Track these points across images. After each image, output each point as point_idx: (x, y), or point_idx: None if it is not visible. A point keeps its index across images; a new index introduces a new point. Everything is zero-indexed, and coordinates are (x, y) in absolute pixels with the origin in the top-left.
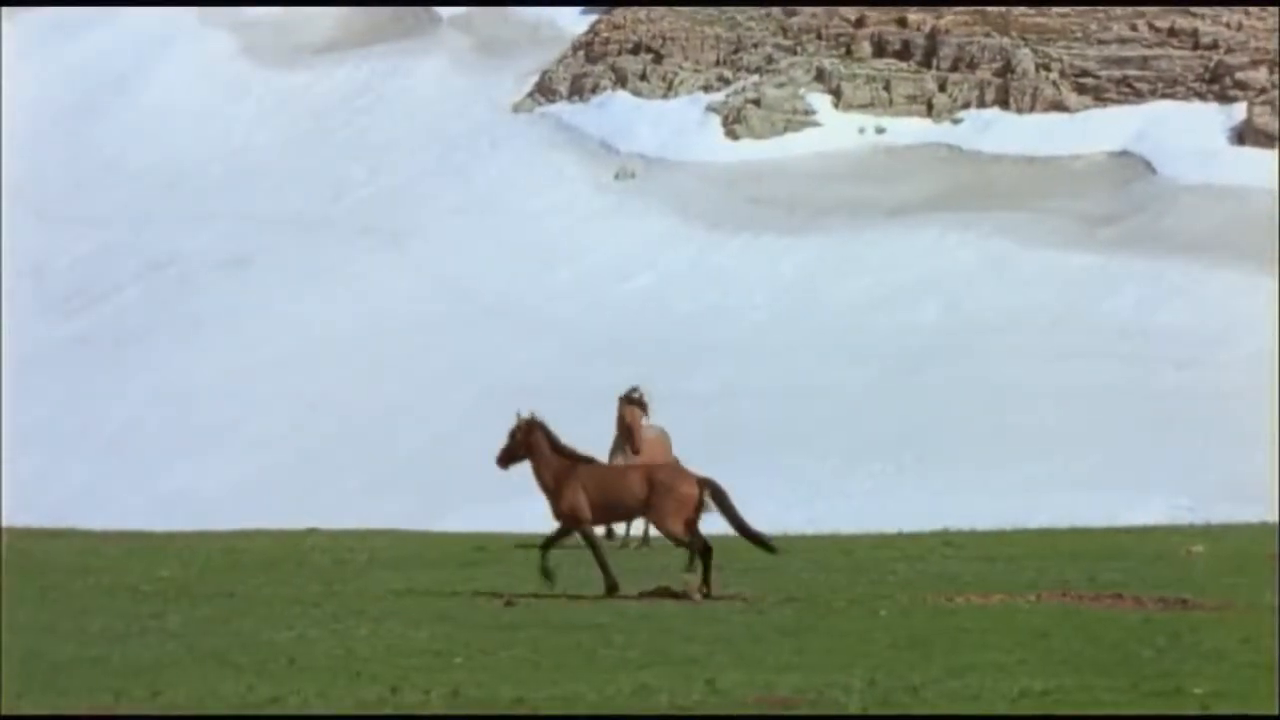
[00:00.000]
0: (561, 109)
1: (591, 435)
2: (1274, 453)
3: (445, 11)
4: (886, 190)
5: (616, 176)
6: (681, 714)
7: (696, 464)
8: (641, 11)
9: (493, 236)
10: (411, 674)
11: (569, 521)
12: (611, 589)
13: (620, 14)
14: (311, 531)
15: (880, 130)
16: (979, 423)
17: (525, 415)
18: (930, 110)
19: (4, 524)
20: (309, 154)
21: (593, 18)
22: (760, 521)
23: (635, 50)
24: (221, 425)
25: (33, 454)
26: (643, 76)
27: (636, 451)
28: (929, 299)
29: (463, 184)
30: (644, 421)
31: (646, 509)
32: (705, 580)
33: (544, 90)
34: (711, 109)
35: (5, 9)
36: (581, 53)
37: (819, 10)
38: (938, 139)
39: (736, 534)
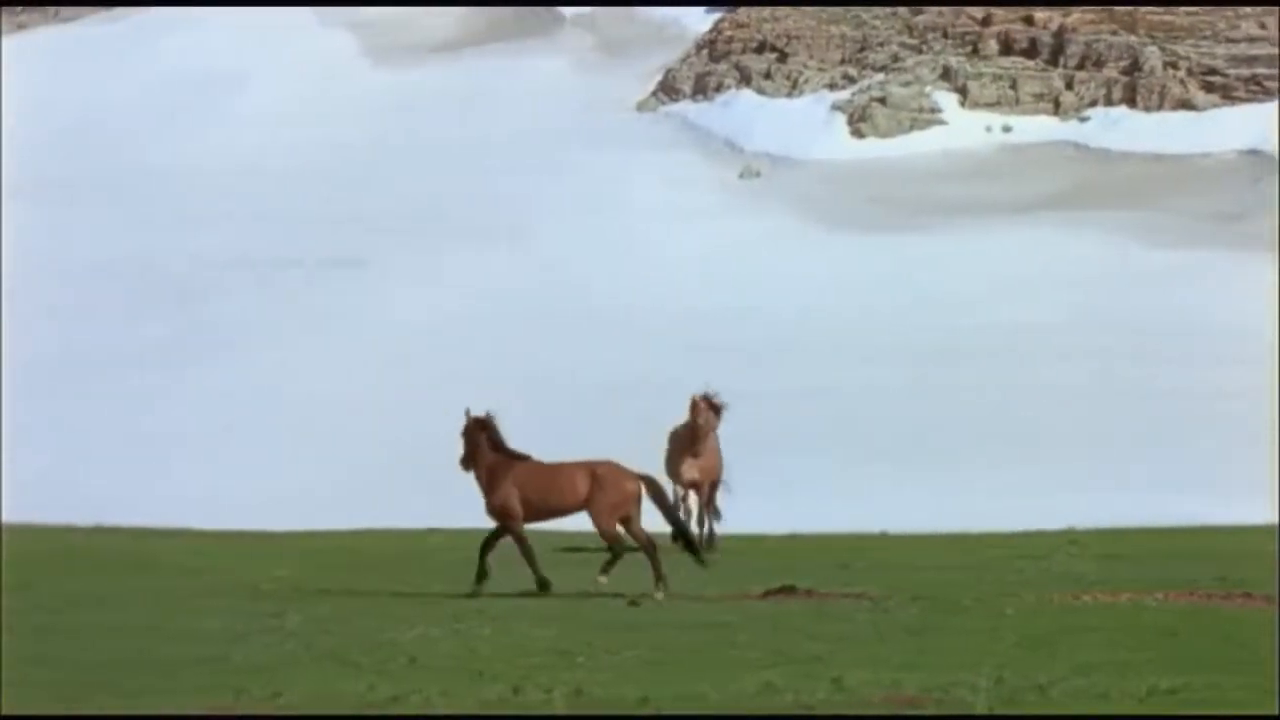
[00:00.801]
0: (685, 108)
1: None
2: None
3: (568, 11)
4: (1010, 189)
5: (741, 175)
6: (807, 713)
7: (759, 461)
8: (766, 10)
9: (610, 235)
10: (534, 673)
11: (498, 518)
12: (543, 586)
13: (744, 12)
14: (432, 531)
15: (1007, 129)
16: (1074, 420)
17: (473, 414)
18: (1057, 108)
19: (111, 525)
20: (421, 153)
21: (717, 16)
22: (866, 516)
23: (760, 49)
24: (320, 425)
25: (128, 454)
26: (767, 75)
27: (696, 455)
28: (1046, 296)
29: (583, 183)
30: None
31: (586, 506)
32: (657, 576)
33: (668, 89)
34: (837, 107)
35: (120, 9)
36: (705, 51)
37: (945, 8)
38: (1064, 137)
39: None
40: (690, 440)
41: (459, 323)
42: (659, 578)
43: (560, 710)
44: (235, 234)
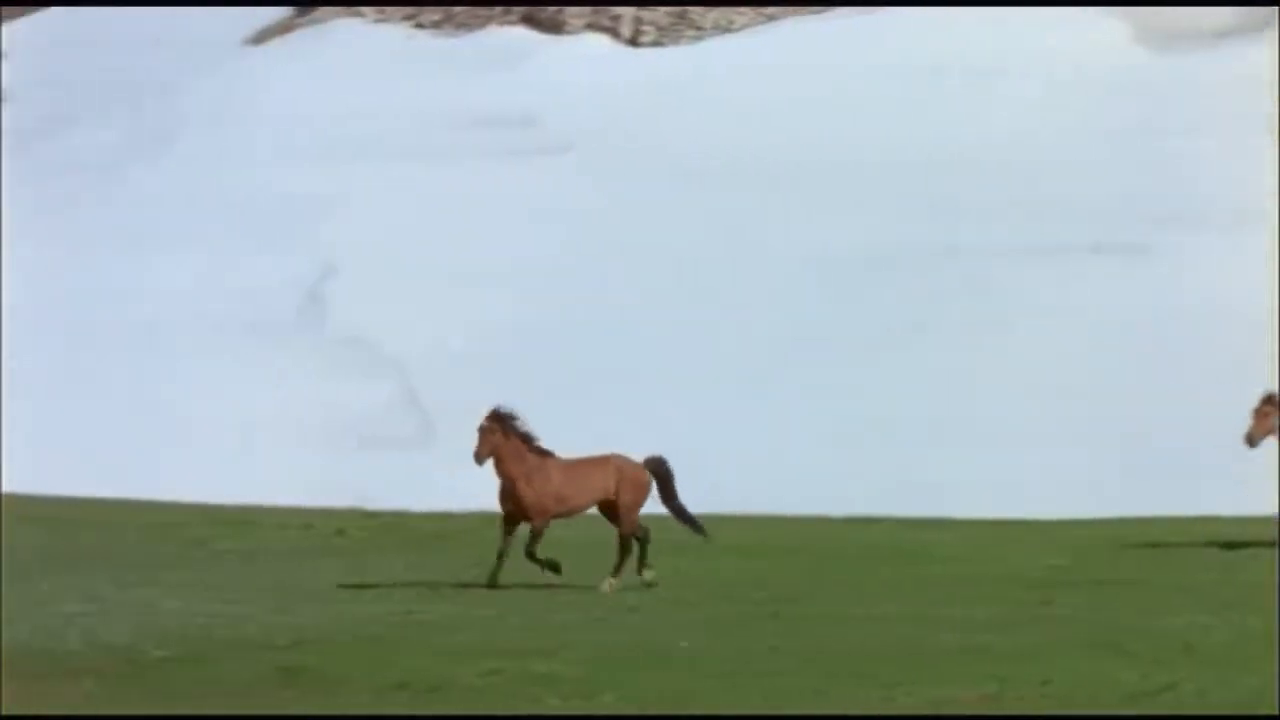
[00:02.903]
0: None
1: None
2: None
3: None
4: None
5: None
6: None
7: None
8: None
9: None
10: None
11: (536, 514)
12: (554, 567)
13: None
14: (1213, 518)
15: None
16: None
17: (491, 409)
18: None
19: (869, 514)
20: (1197, 138)
21: None
22: None
23: None
24: (1067, 411)
25: (839, 441)
26: None
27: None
28: None
29: None
30: None
31: (614, 500)
32: (642, 561)
33: None
34: None
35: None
36: None
37: None
38: None
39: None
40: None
41: (1238, 312)
42: (643, 563)
43: None
44: (995, 221)
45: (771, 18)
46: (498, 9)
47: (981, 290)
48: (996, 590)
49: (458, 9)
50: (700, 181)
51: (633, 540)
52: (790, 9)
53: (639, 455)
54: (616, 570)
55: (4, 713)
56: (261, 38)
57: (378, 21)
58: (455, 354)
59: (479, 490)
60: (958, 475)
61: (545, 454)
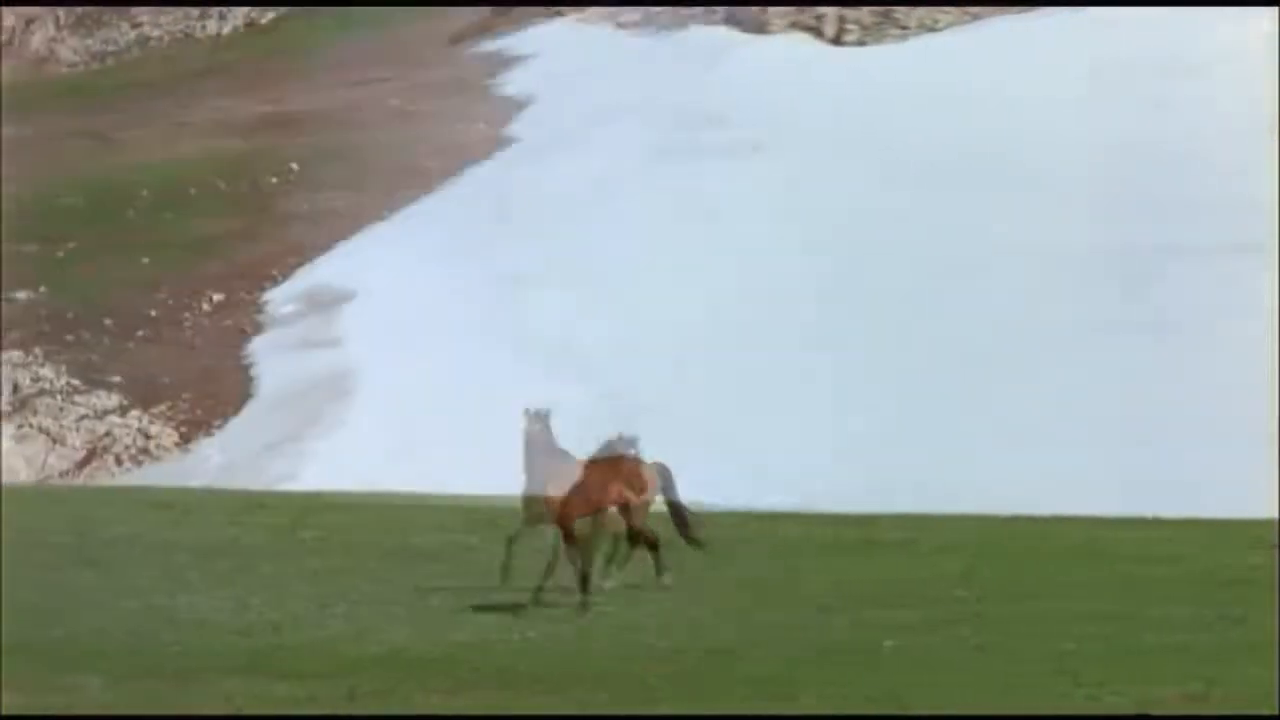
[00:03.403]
0: None
1: None
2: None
3: None
4: None
5: None
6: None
7: None
8: None
9: None
10: None
11: (564, 516)
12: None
13: None
14: None
15: None
16: None
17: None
18: None
19: (1068, 514)
20: None
21: None
22: None
23: None
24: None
25: (1066, 439)
26: None
27: None
28: None
29: None
30: None
31: (627, 502)
32: (658, 565)
33: None
34: None
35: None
36: None
37: None
38: None
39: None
40: None
41: None
42: (660, 567)
43: None
44: (1165, 220)
45: (976, 16)
46: (700, 9)
47: (1169, 287)
48: (1196, 590)
49: (658, 9)
50: (904, 179)
51: (643, 542)
52: (995, 8)
53: (843, 456)
54: (621, 565)
55: (274, 713)
56: (460, 36)
57: (578, 21)
58: (649, 351)
59: (689, 487)
60: (1149, 473)
61: (567, 455)
